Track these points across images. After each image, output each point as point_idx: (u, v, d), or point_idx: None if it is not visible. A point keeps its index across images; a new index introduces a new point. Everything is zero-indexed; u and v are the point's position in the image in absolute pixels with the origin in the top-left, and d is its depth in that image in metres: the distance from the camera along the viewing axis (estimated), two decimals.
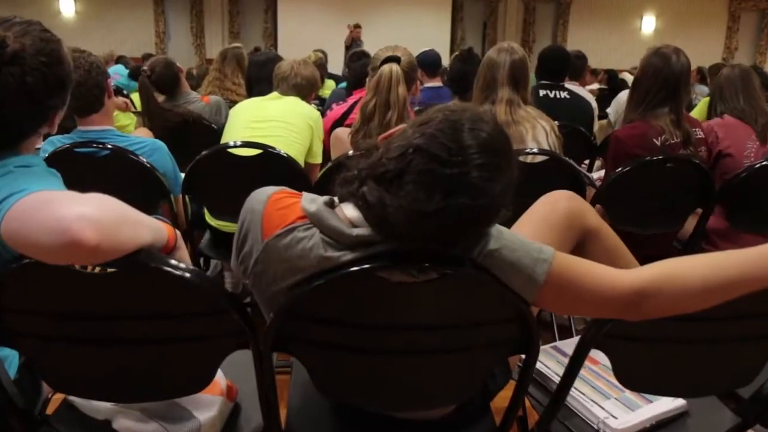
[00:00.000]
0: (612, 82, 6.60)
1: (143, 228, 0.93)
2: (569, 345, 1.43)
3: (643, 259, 2.36)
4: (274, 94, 2.50)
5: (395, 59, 1.97)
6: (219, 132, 2.51)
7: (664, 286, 0.89)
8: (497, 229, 0.94)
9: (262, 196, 1.03)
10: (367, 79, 2.09)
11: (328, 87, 5.22)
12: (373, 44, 6.82)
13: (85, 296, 0.95)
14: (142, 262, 0.90)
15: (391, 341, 0.99)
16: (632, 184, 2.10)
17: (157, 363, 1.01)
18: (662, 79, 2.15)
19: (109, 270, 0.90)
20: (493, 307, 0.98)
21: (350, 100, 3.05)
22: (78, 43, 6.21)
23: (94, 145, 2.04)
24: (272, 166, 2.04)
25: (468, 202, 0.84)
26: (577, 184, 2.12)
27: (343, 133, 2.22)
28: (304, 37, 9.87)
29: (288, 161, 2.03)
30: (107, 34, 11.16)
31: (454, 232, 0.87)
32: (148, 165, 2.03)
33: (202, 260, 2.47)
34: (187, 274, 0.93)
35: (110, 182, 2.02)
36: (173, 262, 0.94)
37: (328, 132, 2.86)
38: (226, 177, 2.07)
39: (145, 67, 3.20)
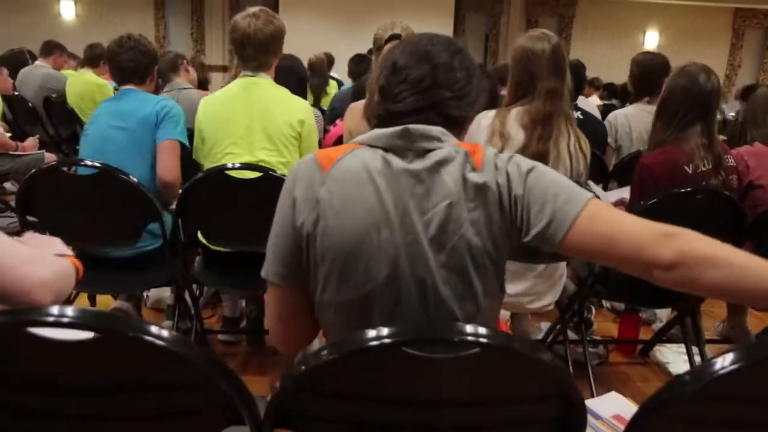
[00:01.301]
0: (621, 94, 6.45)
1: (72, 278, 1.01)
2: (599, 405, 1.29)
3: (665, 299, 2.27)
4: (245, 82, 2.14)
5: (398, 37, 2.03)
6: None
7: (699, 263, 0.92)
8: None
9: (306, 158, 1.08)
10: (372, 57, 2.14)
11: (333, 88, 5.14)
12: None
13: (55, 366, 0.80)
14: (119, 330, 0.76)
15: (415, 418, 0.84)
16: (659, 216, 1.96)
17: None
18: (692, 99, 2.03)
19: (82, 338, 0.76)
20: (530, 382, 0.83)
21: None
22: (78, 46, 6.01)
23: (84, 163, 1.90)
24: (273, 190, 1.89)
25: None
26: None
27: (359, 106, 2.24)
28: (305, 43, 9.70)
29: None
30: (107, 37, 10.97)
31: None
32: (137, 184, 1.89)
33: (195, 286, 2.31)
34: (171, 344, 0.78)
35: (98, 201, 1.92)
36: (154, 329, 0.79)
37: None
38: (222, 200, 1.92)
39: None
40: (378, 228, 0.99)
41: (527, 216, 1.01)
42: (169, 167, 2.16)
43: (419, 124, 1.04)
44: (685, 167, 2.01)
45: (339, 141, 2.79)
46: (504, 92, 3.90)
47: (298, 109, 2.15)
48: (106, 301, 2.77)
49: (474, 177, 1.01)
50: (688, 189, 1.94)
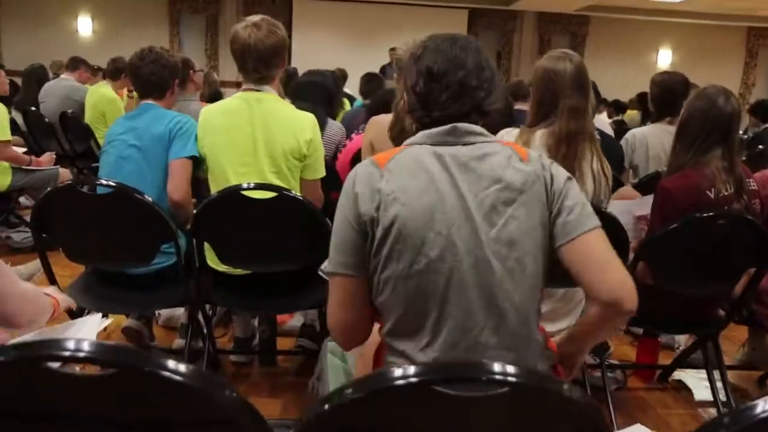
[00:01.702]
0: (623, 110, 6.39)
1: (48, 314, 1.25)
2: None
3: (687, 325, 2.22)
4: (248, 97, 2.06)
5: None
6: None
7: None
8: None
9: (362, 163, 1.21)
10: (394, 76, 2.12)
11: (346, 105, 5.14)
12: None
13: (73, 400, 0.78)
14: (135, 365, 0.73)
15: None
16: (679, 241, 1.93)
17: None
18: (711, 122, 2.00)
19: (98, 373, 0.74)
20: (560, 420, 0.80)
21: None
22: (95, 61, 6.10)
23: (99, 182, 1.90)
24: (287, 210, 1.88)
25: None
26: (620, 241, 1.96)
27: (381, 119, 2.24)
28: (318, 60, 9.80)
29: (304, 205, 1.87)
30: (123, 53, 11.17)
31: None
32: (152, 203, 1.88)
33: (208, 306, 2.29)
34: (188, 379, 0.76)
35: (113, 220, 1.91)
36: (171, 364, 0.77)
37: (349, 164, 2.72)
38: (237, 221, 1.90)
39: None
40: (433, 208, 1.12)
41: (555, 213, 1.17)
42: (177, 186, 2.11)
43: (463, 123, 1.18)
44: (707, 192, 1.97)
45: (356, 155, 2.79)
46: (517, 107, 3.92)
47: (305, 128, 2.05)
48: (118, 320, 2.76)
49: (522, 166, 1.16)
50: (710, 214, 1.90)
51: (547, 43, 11.48)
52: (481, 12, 11.36)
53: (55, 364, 0.76)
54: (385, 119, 2.24)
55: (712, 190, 1.97)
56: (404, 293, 1.14)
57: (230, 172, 2.02)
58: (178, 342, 2.52)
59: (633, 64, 11.46)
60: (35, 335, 1.25)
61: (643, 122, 6.07)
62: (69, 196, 1.89)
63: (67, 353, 0.75)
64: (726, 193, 1.98)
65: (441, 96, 1.18)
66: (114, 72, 5.13)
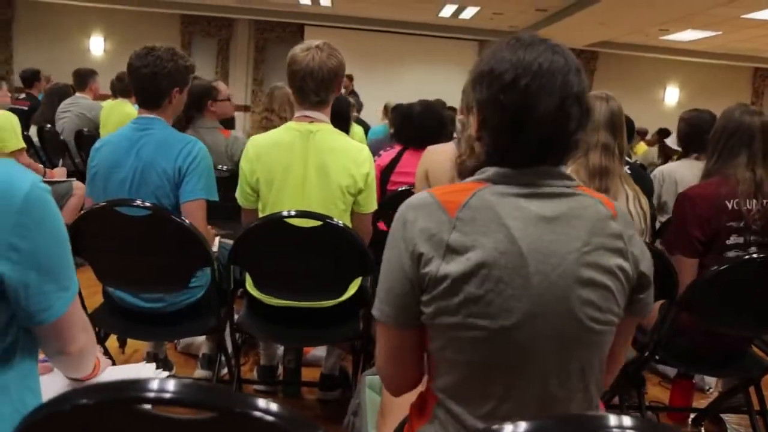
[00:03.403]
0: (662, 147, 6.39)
1: (90, 368, 1.21)
2: None
3: (730, 367, 2.17)
4: (302, 129, 1.96)
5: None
6: None
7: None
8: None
9: (417, 200, 1.03)
10: (459, 107, 2.16)
11: (356, 133, 5.09)
12: (397, 97, 6.78)
13: None
14: (224, 405, 0.68)
15: None
16: (724, 283, 1.89)
17: None
18: (732, 129, 2.08)
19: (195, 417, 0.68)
20: None
21: (398, 147, 3.05)
22: (106, 81, 6.06)
23: (134, 204, 1.84)
24: (331, 239, 1.83)
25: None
26: (669, 279, 1.91)
27: (439, 150, 2.17)
28: None
29: (349, 234, 1.82)
30: None
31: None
32: (189, 227, 1.83)
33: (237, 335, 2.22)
34: (281, 420, 0.71)
35: (149, 243, 1.85)
36: (261, 404, 0.72)
37: (378, 181, 2.70)
38: (278, 248, 1.85)
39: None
40: (513, 269, 0.96)
41: (635, 285, 1.06)
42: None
43: (546, 164, 1.01)
44: (726, 202, 1.99)
45: (385, 172, 2.88)
46: None
47: (361, 161, 1.98)
48: (136, 344, 2.69)
49: (612, 225, 1.01)
50: (753, 255, 1.88)
51: None
52: (492, 44, 11.45)
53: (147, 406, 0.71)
54: (443, 149, 2.16)
55: (732, 201, 1.99)
56: (469, 357, 0.99)
57: (282, 207, 1.93)
58: (200, 373, 2.45)
59: (640, 101, 11.53)
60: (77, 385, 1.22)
61: (663, 159, 6.07)
62: (104, 217, 1.84)
63: (151, 395, 0.71)
64: (749, 208, 1.99)
65: (529, 147, 0.99)
66: (123, 90, 5.10)
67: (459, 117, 2.15)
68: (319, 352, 2.71)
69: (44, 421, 0.74)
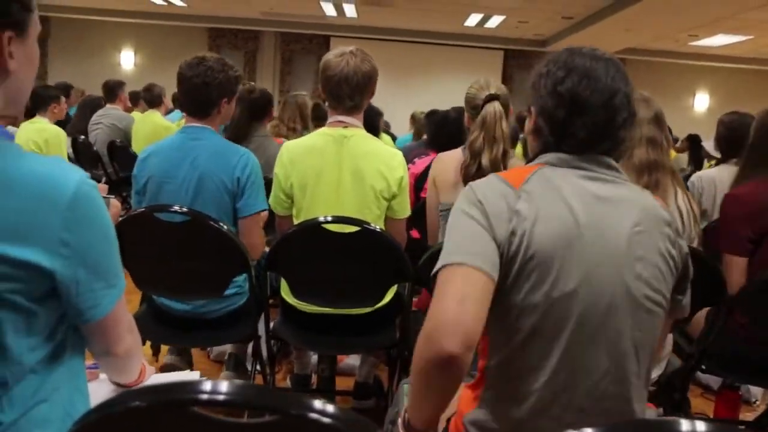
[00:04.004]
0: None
1: (137, 369, 1.21)
2: None
3: None
4: (336, 134, 1.96)
5: (496, 97, 2.03)
6: None
7: None
8: None
9: (484, 180, 1.11)
10: (465, 115, 2.18)
11: (386, 143, 5.09)
12: (423, 107, 6.76)
13: None
14: (280, 407, 0.68)
15: None
16: None
17: None
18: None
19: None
20: None
21: (432, 155, 3.02)
22: (145, 96, 6.09)
23: (172, 209, 1.84)
24: (368, 245, 1.80)
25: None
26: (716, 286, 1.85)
27: (447, 157, 2.17)
28: None
29: (386, 240, 1.80)
30: (164, 85, 11.63)
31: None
32: (228, 233, 1.82)
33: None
34: (338, 422, 0.69)
35: (188, 249, 1.85)
36: (318, 405, 0.69)
37: (412, 188, 2.68)
38: (315, 254, 1.83)
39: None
40: (573, 240, 1.02)
41: (677, 283, 1.12)
42: (254, 245, 1.98)
43: (597, 153, 1.10)
44: None
45: (419, 180, 2.87)
46: None
47: (395, 165, 1.97)
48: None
49: (663, 213, 1.09)
50: None
51: None
52: (517, 53, 11.42)
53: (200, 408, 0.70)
54: (449, 157, 2.17)
55: None
56: (524, 324, 1.03)
57: (317, 213, 1.91)
58: (226, 374, 2.44)
59: (669, 108, 11.27)
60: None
61: (693, 165, 5.95)
62: (143, 223, 1.84)
63: (204, 396, 0.69)
64: None
65: (581, 131, 1.07)
66: (152, 100, 5.17)
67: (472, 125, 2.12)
68: (352, 360, 2.68)
69: (97, 424, 0.72)
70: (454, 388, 1.02)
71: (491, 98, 2.01)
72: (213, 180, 1.95)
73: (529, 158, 1.18)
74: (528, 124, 1.17)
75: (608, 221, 1.04)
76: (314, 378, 2.48)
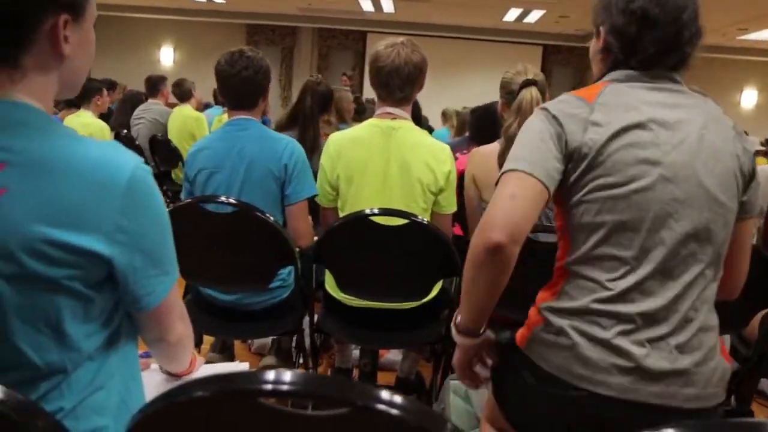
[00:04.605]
0: None
1: (187, 360, 1.19)
2: None
3: None
4: (384, 126, 1.94)
5: (533, 83, 1.96)
6: None
7: None
8: None
9: (555, 100, 1.19)
10: (500, 101, 2.13)
11: None
12: (459, 103, 6.69)
13: None
14: (346, 398, 0.65)
15: None
16: None
17: None
18: None
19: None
20: None
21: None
22: (174, 91, 6.16)
23: (219, 200, 1.84)
24: (416, 238, 1.77)
25: None
26: None
27: (485, 151, 2.10)
28: None
29: (435, 233, 1.76)
30: (202, 82, 11.76)
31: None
32: (274, 224, 1.81)
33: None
34: (407, 413, 0.65)
35: (234, 240, 1.85)
36: (385, 395, 0.66)
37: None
38: (362, 247, 1.81)
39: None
40: (646, 143, 1.10)
41: (746, 184, 1.17)
42: (303, 232, 1.99)
43: (663, 68, 1.16)
44: None
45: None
46: None
47: (443, 158, 1.95)
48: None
49: (727, 120, 1.17)
50: None
51: None
52: (557, 48, 11.25)
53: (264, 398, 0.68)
54: (488, 151, 2.08)
55: None
56: (605, 217, 1.10)
57: (363, 205, 1.88)
58: (269, 359, 2.45)
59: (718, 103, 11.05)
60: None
61: None
62: (189, 214, 1.84)
63: (268, 387, 0.66)
64: None
65: (650, 46, 1.13)
66: (182, 95, 5.23)
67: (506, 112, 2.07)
68: (393, 355, 2.66)
69: (161, 413, 0.71)
70: (500, 282, 1.11)
71: (528, 83, 1.93)
72: (260, 168, 1.96)
73: (595, 78, 1.23)
74: (594, 45, 1.22)
75: (677, 124, 1.11)
76: (355, 372, 2.46)
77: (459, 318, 1.20)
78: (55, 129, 0.88)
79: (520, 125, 1.90)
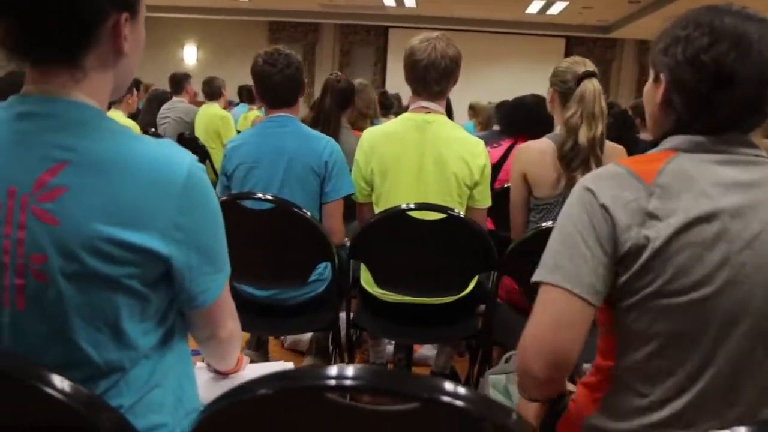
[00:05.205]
0: None
1: (234, 357, 1.21)
2: None
3: None
4: (418, 120, 1.94)
5: (593, 74, 1.93)
6: None
7: None
8: None
9: (603, 171, 1.00)
10: (549, 91, 2.05)
11: None
12: (483, 97, 6.64)
13: None
14: (411, 391, 0.65)
15: None
16: None
17: None
18: None
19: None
20: None
21: (505, 144, 2.97)
22: (198, 89, 6.23)
23: (256, 197, 1.85)
24: (453, 232, 1.76)
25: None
26: None
27: (534, 147, 2.00)
28: None
29: (472, 227, 1.75)
30: (225, 80, 11.91)
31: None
32: (311, 219, 1.81)
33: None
34: (471, 405, 0.65)
35: (272, 236, 1.86)
36: (449, 387, 0.66)
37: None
38: (398, 242, 1.80)
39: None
40: (714, 240, 0.92)
41: None
42: (335, 230, 2.00)
43: (736, 131, 0.97)
44: None
45: (493, 169, 2.71)
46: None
47: (478, 153, 1.93)
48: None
49: None
50: None
51: (647, 71, 11.08)
52: (580, 40, 11.12)
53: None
54: (539, 147, 2.01)
55: None
56: (662, 327, 0.94)
57: (398, 200, 1.89)
58: (310, 360, 2.46)
59: None
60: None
61: None
62: (228, 210, 1.84)
63: (332, 382, 0.67)
64: None
65: (726, 108, 0.94)
66: (211, 93, 5.26)
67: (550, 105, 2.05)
68: (427, 350, 2.65)
69: (225, 411, 0.71)
70: (550, 396, 1.07)
71: (589, 74, 1.91)
72: (301, 165, 1.98)
73: (655, 134, 1.06)
74: (651, 90, 1.03)
75: (753, 213, 0.92)
76: (389, 367, 2.46)
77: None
78: (113, 128, 0.88)
79: (582, 115, 1.89)
